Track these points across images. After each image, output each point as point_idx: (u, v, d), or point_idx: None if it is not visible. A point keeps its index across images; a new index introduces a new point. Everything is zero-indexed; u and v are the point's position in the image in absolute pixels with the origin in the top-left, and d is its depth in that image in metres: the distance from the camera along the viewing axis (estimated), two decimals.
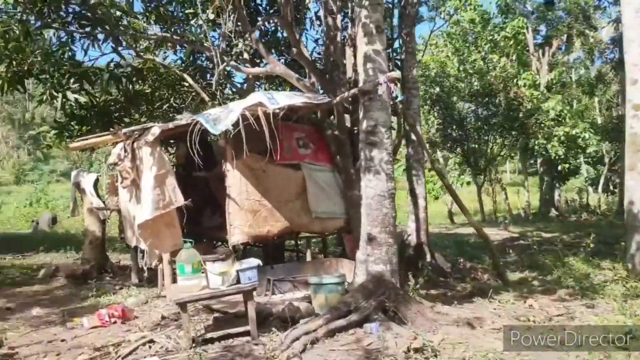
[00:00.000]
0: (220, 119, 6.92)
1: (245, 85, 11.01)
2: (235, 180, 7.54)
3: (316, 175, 8.05)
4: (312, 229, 8.12)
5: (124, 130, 8.02)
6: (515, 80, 22.93)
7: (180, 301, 5.23)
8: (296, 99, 6.98)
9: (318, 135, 8.27)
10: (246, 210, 7.56)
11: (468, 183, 29.34)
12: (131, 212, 8.06)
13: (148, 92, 11.08)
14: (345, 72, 8.55)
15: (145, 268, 7.14)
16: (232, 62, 8.24)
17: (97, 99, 10.21)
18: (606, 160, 31.21)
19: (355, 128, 8.29)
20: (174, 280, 7.50)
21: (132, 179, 7.53)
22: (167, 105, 11.42)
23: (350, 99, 7.35)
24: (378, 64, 6.40)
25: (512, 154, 29.71)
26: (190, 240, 5.45)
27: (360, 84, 6.52)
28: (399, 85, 6.39)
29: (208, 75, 11.88)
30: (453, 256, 11.46)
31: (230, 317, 6.15)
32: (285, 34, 11.25)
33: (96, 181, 9.61)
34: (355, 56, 8.62)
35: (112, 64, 9.26)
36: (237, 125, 6.57)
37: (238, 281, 5.46)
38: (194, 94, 11.36)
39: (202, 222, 9.44)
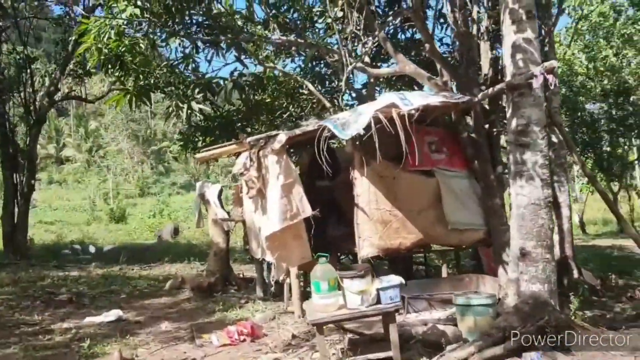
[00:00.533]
0: (349, 123, 6.46)
1: (364, 90, 10.52)
2: (364, 189, 7.03)
3: (452, 182, 7.34)
4: (448, 241, 7.42)
5: (249, 139, 7.78)
6: None
7: (317, 322, 4.75)
8: (432, 99, 6.35)
9: (452, 139, 7.57)
10: (376, 221, 7.01)
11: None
12: (256, 223, 7.78)
13: (268, 101, 10.89)
14: (481, 68, 7.81)
15: (272, 282, 6.79)
16: (359, 64, 7.75)
17: (221, 110, 10.15)
18: None
19: (495, 129, 7.53)
20: (302, 295, 7.15)
21: (258, 188, 7.24)
22: (286, 114, 11.18)
23: (492, 96, 6.60)
24: (530, 54, 5.62)
25: None
26: (326, 254, 4.96)
27: (508, 78, 5.76)
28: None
29: (327, 82, 11.53)
30: (599, 272, 10.25)
31: (366, 339, 5.60)
32: (406, 36, 10.69)
33: (220, 192, 9.50)
34: (492, 49, 7.88)
35: (235, 73, 9.14)
36: (368, 129, 6.06)
37: (378, 301, 4.89)
38: (313, 101, 11.03)
39: (326, 232, 9.01)
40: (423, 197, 7.25)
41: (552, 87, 5.43)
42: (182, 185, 43.79)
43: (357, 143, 7.01)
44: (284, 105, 11.42)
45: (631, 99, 20.96)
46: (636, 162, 25.84)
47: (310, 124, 7.43)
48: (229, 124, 10.05)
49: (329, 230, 8.93)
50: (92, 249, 17.59)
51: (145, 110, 51.49)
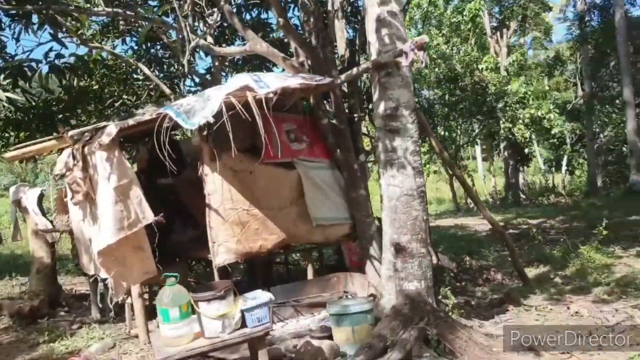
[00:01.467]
0: (195, 110, 5.47)
1: (209, 75, 9.51)
2: (216, 187, 6.09)
3: (314, 174, 6.65)
4: (312, 239, 6.73)
5: (71, 132, 6.46)
6: (476, 64, 22.28)
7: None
8: (290, 81, 5.57)
9: (311, 126, 6.87)
10: (232, 223, 6.12)
11: (435, 172, 28.63)
12: (86, 233, 6.49)
13: (96, 88, 9.42)
14: (336, 48, 7.21)
15: (109, 305, 5.63)
16: (202, 41, 6.73)
17: (36, 99, 8.51)
18: (568, 140, 31.16)
19: (355, 115, 6.97)
20: (147, 315, 6.06)
21: (85, 192, 5.98)
22: (119, 103, 9.79)
23: (355, 77, 5.99)
24: (395, 29, 5.08)
25: (478, 139, 29.18)
26: (174, 275, 3.98)
27: (373, 56, 5.17)
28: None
29: (165, 67, 10.33)
30: (451, 254, 10.31)
31: None
32: (251, 16, 9.82)
33: (40, 197, 7.95)
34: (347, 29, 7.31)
35: (51, 54, 7.61)
36: (219, 117, 5.14)
37: (243, 324, 4.04)
38: (150, 88, 9.78)
39: (170, 238, 7.92)
40: (284, 193, 6.48)
41: (422, 65, 4.90)
42: (6, 187, 39.01)
43: (206, 134, 6.05)
44: (116, 93, 10.02)
45: (461, 85, 22.16)
46: (466, 144, 27.61)
47: (147, 113, 6.29)
48: (48, 115, 8.46)
49: (174, 236, 7.85)
50: None
51: None
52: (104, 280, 5.86)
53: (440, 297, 6.03)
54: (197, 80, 10.47)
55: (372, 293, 6.34)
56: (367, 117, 7.72)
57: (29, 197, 7.82)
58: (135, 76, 10.30)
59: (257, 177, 6.28)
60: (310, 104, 6.84)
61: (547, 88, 29.86)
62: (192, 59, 9.74)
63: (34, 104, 8.33)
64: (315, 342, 4.65)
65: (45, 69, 7.39)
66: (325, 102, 6.89)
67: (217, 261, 6.07)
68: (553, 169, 34.98)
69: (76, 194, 6.03)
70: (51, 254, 7.88)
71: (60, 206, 7.21)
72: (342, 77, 5.57)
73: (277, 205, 6.40)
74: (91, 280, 7.26)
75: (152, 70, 9.70)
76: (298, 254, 9.54)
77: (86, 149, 6.02)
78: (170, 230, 7.79)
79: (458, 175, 7.74)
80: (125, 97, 10.20)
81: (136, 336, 6.17)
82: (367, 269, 6.68)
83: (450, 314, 5.33)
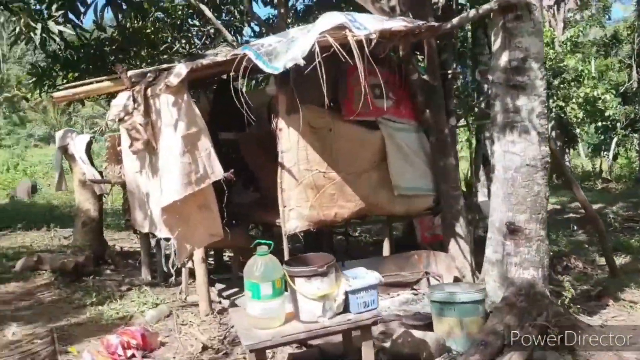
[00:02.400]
0: (277, 52, 4.72)
1: (275, 22, 8.70)
2: (291, 144, 5.35)
3: (399, 137, 5.86)
4: (392, 210, 5.96)
5: (131, 73, 5.77)
6: None
7: (258, 347, 3.08)
8: (391, 23, 4.73)
9: (398, 82, 6.04)
10: (306, 186, 5.40)
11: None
12: (143, 187, 5.83)
13: (149, 31, 8.66)
14: None
15: (170, 268, 4.98)
16: None
17: (88, 36, 7.79)
18: (619, 124, 29.63)
19: (448, 72, 6.12)
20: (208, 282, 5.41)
21: (146, 140, 5.29)
22: (173, 50, 9.04)
23: (476, 19, 5.13)
24: None
25: None
26: (269, 242, 3.25)
27: None
28: None
29: (223, 14, 9.54)
30: None
31: (314, 353, 4.03)
32: None
33: (89, 144, 7.33)
34: None
35: None
36: (308, 62, 4.36)
37: (346, 308, 3.32)
38: (207, 34, 9.01)
39: (230, 198, 7.24)
40: (365, 156, 5.71)
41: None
42: (40, 137, 39.35)
43: (283, 82, 5.31)
44: (169, 39, 9.26)
45: None
46: None
47: (220, 54, 5.55)
48: (99, 56, 7.75)
49: (233, 197, 7.15)
50: None
51: None
52: (166, 239, 5.19)
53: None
54: (256, 29, 9.68)
55: (455, 276, 5.61)
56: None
57: (77, 144, 7.21)
58: (190, 22, 9.51)
59: (336, 136, 5.52)
60: (400, 55, 6.01)
61: (603, 67, 28.41)
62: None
63: (85, 41, 7.61)
64: (417, 333, 3.91)
65: (101, 1, 6.64)
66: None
67: (288, 228, 5.37)
68: (610, 153, 33.45)
69: (135, 142, 5.35)
70: (98, 207, 7.29)
71: (112, 155, 6.56)
72: (454, 21, 4.70)
73: (356, 169, 5.64)
74: (144, 238, 6.63)
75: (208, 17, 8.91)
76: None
77: (149, 91, 5.32)
78: (229, 190, 7.12)
79: (553, 150, 6.82)
80: (179, 44, 9.44)
81: (194, 304, 5.54)
82: (451, 248, 5.94)
83: (568, 308, 4.55)
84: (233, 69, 4.73)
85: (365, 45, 4.22)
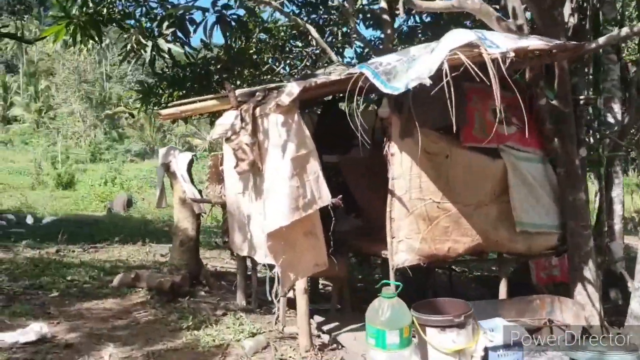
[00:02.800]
0: (397, 71, 4.36)
1: (378, 44, 8.39)
2: (403, 170, 4.95)
3: (523, 167, 5.33)
4: (513, 248, 5.41)
5: (239, 91, 5.63)
6: None
7: None
8: (528, 41, 4.27)
9: (522, 107, 5.50)
10: (417, 217, 4.97)
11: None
12: (244, 209, 5.63)
13: (252, 51, 8.60)
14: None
15: (273, 298, 4.69)
16: None
17: (195, 54, 7.79)
18: None
19: (581, 97, 5.54)
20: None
21: (252, 161, 5.08)
22: (275, 71, 8.93)
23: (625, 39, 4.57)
24: None
25: None
26: (397, 283, 2.86)
27: None
28: None
29: (326, 34, 9.35)
30: None
31: None
32: None
33: (191, 163, 7.25)
34: None
35: (219, 4, 6.75)
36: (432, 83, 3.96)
37: None
38: (311, 56, 8.84)
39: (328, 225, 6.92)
40: (484, 186, 5.22)
41: None
42: (136, 153, 41.15)
43: (398, 103, 4.95)
44: (270, 60, 9.18)
45: None
46: None
47: (333, 73, 5.27)
48: (205, 75, 7.73)
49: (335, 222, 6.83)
50: (29, 220, 15.05)
51: (100, 72, 48.15)
52: (269, 266, 4.89)
53: None
54: (359, 50, 9.42)
55: (584, 326, 4.96)
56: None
57: (179, 162, 7.14)
58: (292, 43, 9.40)
59: (453, 164, 5.07)
60: (526, 78, 5.50)
61: None
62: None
63: (192, 60, 7.61)
64: None
65: (211, 19, 6.61)
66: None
67: (396, 261, 4.95)
68: None
69: (241, 162, 5.14)
70: (196, 226, 7.16)
71: (214, 175, 6.42)
72: (601, 40, 4.19)
73: (474, 201, 5.16)
74: (241, 261, 6.41)
75: (311, 38, 8.74)
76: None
77: (257, 110, 5.12)
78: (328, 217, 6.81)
79: None
80: (280, 66, 9.34)
81: (292, 336, 5.21)
82: (578, 294, 5.30)
83: None
84: (348, 88, 4.44)
85: (501, 65, 3.78)
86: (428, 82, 3.92)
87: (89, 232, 12.75)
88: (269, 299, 4.76)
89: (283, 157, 4.78)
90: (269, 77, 8.86)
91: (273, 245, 4.50)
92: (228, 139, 5.25)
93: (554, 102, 5.30)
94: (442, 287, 7.02)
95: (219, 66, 7.88)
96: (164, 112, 6.13)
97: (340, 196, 4.66)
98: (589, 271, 5.25)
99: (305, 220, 4.61)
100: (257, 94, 5.31)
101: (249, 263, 6.60)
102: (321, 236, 4.80)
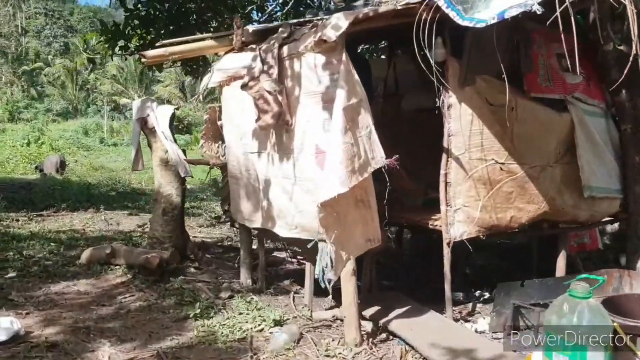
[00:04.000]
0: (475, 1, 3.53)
1: None
2: (462, 125, 4.15)
3: (589, 123, 4.62)
4: (577, 216, 4.72)
5: (253, 28, 4.63)
6: None
7: None
8: None
9: (587, 53, 4.78)
10: (477, 180, 4.20)
11: None
12: (260, 172, 4.67)
13: None
14: None
15: (328, 285, 3.79)
16: None
17: None
18: None
19: None
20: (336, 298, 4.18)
21: (276, 112, 4.11)
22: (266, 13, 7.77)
23: None
24: None
25: None
26: (598, 277, 2.05)
27: None
28: None
29: None
30: None
31: None
32: None
33: (172, 117, 6.12)
34: None
35: None
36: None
37: None
38: None
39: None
40: (550, 144, 4.49)
41: None
42: (58, 112, 38.29)
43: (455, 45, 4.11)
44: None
45: None
46: None
47: (384, 3, 4.31)
48: (182, 14, 6.51)
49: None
50: None
51: (15, 26, 44.18)
52: (294, 245, 3.94)
53: None
54: None
55: None
56: None
57: (159, 117, 6.01)
58: None
59: (519, 118, 4.28)
60: (589, 19, 4.75)
61: None
62: None
63: None
64: None
65: None
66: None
67: (454, 234, 4.19)
68: None
69: (263, 114, 4.18)
70: (181, 191, 6.10)
71: (210, 131, 5.37)
72: None
73: (540, 161, 4.43)
74: (246, 233, 5.46)
75: None
76: None
77: (284, 50, 4.12)
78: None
79: None
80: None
81: (324, 324, 4.37)
82: None
83: None
84: (417, 20, 3.54)
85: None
86: (538, 9, 3.08)
87: (27, 197, 11.23)
88: (323, 285, 3.84)
89: (323, 107, 3.86)
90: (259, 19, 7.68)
91: (325, 217, 3.59)
92: (245, 86, 4.24)
93: (622, 47, 4.58)
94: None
95: (196, 4, 6.65)
96: (150, 53, 5.00)
97: (397, 156, 3.77)
98: None
99: (357, 187, 3.71)
100: (281, 29, 4.30)
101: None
102: (374, 205, 3.93)
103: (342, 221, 3.71)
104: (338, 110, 3.64)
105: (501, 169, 4.25)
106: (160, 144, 5.97)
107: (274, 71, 4.10)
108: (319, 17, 4.30)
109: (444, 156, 4.18)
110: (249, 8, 7.39)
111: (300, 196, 4.15)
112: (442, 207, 4.22)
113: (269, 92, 4.12)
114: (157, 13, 6.38)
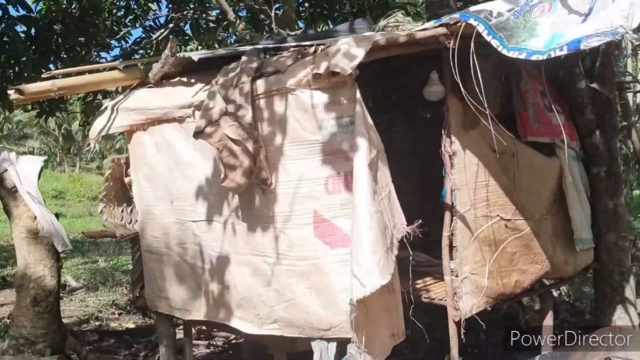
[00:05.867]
0: (512, 26, 2.98)
1: None
2: (467, 176, 3.46)
3: (574, 168, 4.21)
4: (564, 272, 4.21)
5: (200, 55, 3.56)
6: None
7: None
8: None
9: (557, 92, 4.41)
10: (482, 241, 3.52)
11: None
12: (210, 248, 3.47)
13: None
14: None
15: None
16: None
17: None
18: None
19: (628, 81, 4.69)
20: None
21: (248, 168, 3.05)
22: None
23: None
24: None
25: None
26: None
27: None
28: None
29: None
30: None
31: None
32: None
33: (40, 172, 4.55)
34: None
35: None
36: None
37: None
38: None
39: None
40: (544, 194, 3.97)
41: None
42: None
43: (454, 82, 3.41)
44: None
45: None
46: None
47: (401, 25, 3.45)
48: (47, 38, 4.94)
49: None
50: None
51: None
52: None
53: None
54: None
55: None
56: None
57: (24, 172, 4.42)
58: None
59: (520, 166, 3.71)
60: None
61: None
62: None
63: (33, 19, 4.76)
64: None
65: None
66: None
67: (464, 309, 3.42)
68: None
69: (230, 171, 3.06)
70: (57, 271, 4.52)
71: (113, 191, 3.99)
72: None
73: (538, 214, 3.88)
74: (166, 324, 4.12)
75: None
76: None
77: (257, 85, 3.10)
78: None
79: None
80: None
81: None
82: (617, 318, 4.43)
83: None
84: (452, 44, 2.82)
85: None
86: (634, 37, 2.50)
87: None
88: None
89: (324, 161, 2.91)
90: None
91: (358, 316, 2.59)
92: (200, 133, 3.08)
93: (595, 85, 4.30)
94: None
95: (67, 24, 5.09)
96: (30, 88, 3.56)
97: (420, 221, 2.93)
98: (630, 291, 4.43)
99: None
100: (246, 58, 3.24)
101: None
102: (398, 288, 3.02)
103: (370, 316, 2.74)
104: (362, 167, 2.70)
105: (506, 226, 3.62)
106: (26, 209, 4.36)
107: (246, 113, 3.02)
108: (295, 44, 3.30)
109: (447, 214, 3.42)
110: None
111: (287, 281, 3.07)
112: (447, 277, 3.45)
113: (235, 141, 3.03)
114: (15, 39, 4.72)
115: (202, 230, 3.47)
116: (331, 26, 6.93)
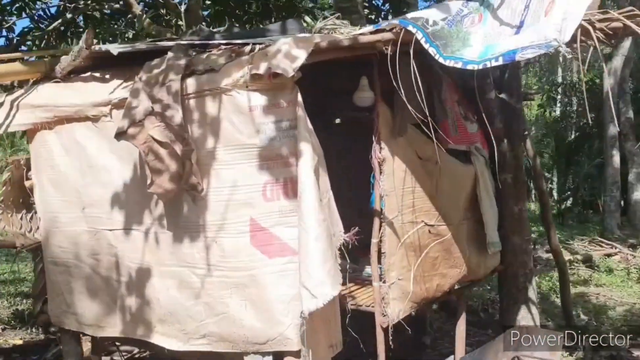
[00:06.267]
0: (447, 36, 3.06)
1: None
2: (395, 183, 3.48)
3: (486, 175, 4.36)
4: (477, 274, 4.34)
5: (120, 49, 3.30)
6: None
7: None
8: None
9: (468, 101, 4.55)
10: (408, 247, 3.57)
11: None
12: (128, 259, 3.20)
13: None
14: None
15: None
16: None
17: None
18: None
19: (532, 92, 4.94)
20: None
21: (175, 172, 2.86)
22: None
23: None
24: None
25: None
26: None
27: None
28: None
29: None
30: None
31: None
32: None
33: None
34: None
35: None
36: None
37: None
38: None
39: None
40: (460, 200, 4.08)
41: None
42: None
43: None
44: None
45: None
46: None
47: (339, 28, 3.32)
48: None
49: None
50: None
51: None
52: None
53: None
54: None
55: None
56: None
57: None
58: None
59: (442, 173, 3.80)
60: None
61: None
62: None
63: None
64: None
65: None
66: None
67: (392, 314, 3.44)
68: None
69: (157, 176, 2.85)
70: None
71: (11, 196, 3.57)
72: None
73: (456, 220, 3.98)
74: (72, 342, 3.74)
75: None
76: None
77: (187, 84, 2.91)
78: None
79: None
80: None
81: None
82: (521, 318, 4.67)
83: None
84: (396, 48, 2.83)
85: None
86: (567, 51, 2.60)
87: None
88: None
89: (261, 167, 2.78)
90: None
91: (307, 330, 2.49)
92: (123, 134, 2.84)
93: (503, 96, 4.51)
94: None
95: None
96: None
97: (357, 228, 2.89)
98: (532, 291, 4.69)
99: None
100: (173, 55, 3.02)
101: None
102: (337, 299, 2.93)
103: (310, 327, 2.65)
104: (308, 174, 2.60)
105: (430, 231, 3.68)
106: None
107: (175, 113, 2.81)
108: (226, 42, 3.12)
109: (376, 221, 3.41)
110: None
111: (219, 293, 2.89)
112: (375, 284, 3.44)
113: (161, 144, 2.81)
114: None
115: (120, 240, 3.19)
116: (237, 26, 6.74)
